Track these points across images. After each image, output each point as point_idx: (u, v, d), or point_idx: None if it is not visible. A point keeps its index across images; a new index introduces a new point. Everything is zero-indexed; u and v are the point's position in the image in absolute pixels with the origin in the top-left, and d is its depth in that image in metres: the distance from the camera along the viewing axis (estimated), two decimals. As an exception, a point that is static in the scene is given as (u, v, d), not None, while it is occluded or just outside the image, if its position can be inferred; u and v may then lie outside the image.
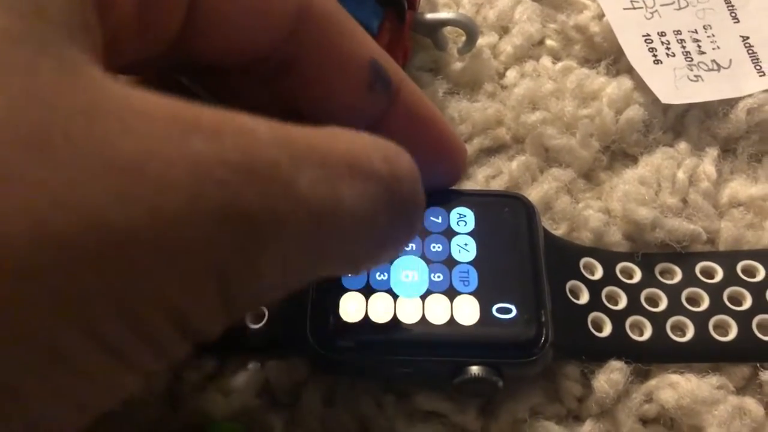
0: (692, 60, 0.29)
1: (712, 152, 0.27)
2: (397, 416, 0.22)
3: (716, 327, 0.23)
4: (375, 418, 0.22)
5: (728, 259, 0.24)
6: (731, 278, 0.24)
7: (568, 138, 0.27)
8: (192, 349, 0.13)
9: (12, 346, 0.11)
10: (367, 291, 0.21)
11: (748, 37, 0.29)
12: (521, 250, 0.22)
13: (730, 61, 0.29)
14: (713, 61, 0.29)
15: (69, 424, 0.12)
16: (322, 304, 0.21)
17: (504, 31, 0.31)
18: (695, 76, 0.28)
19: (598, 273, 0.24)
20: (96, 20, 0.13)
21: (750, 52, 0.29)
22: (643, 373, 0.22)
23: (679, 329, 0.23)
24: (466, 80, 0.29)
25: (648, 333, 0.23)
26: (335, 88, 0.19)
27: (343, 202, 0.13)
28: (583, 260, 0.24)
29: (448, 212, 0.22)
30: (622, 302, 0.23)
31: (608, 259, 0.24)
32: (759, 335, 0.22)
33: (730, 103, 0.27)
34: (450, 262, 0.21)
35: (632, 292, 0.23)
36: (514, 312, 0.20)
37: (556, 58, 0.30)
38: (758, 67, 0.28)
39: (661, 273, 0.24)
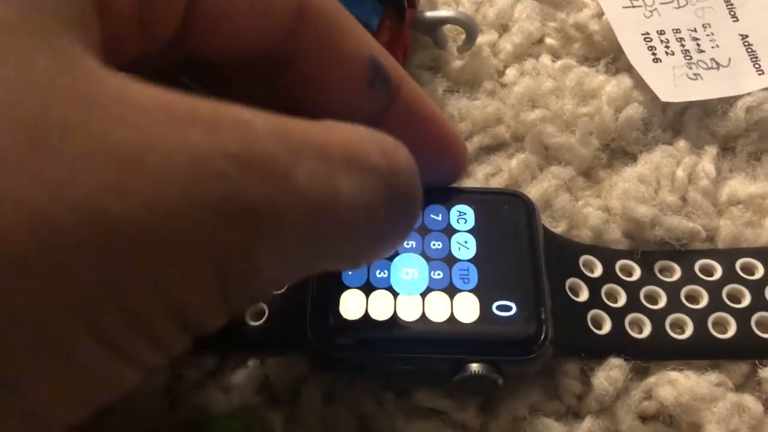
0: (691, 58, 0.29)
1: (711, 150, 0.27)
2: (397, 413, 0.22)
3: (715, 324, 0.23)
4: (375, 415, 0.22)
5: (727, 256, 0.24)
6: (730, 276, 0.24)
7: (567, 136, 0.27)
8: (191, 344, 0.13)
9: (10, 339, 0.11)
10: (368, 288, 0.21)
11: (747, 36, 0.29)
12: (521, 247, 0.22)
13: (729, 59, 0.29)
14: (712, 59, 0.29)
15: (68, 417, 0.12)
16: (322, 301, 0.21)
17: (503, 29, 0.31)
18: (694, 74, 0.28)
19: (598, 271, 0.24)
20: (94, 15, 0.13)
21: (749, 50, 0.29)
22: (642, 371, 0.22)
23: (679, 327, 0.23)
24: (465, 78, 0.29)
25: (647, 330, 0.23)
26: (335, 85, 0.19)
27: (341, 195, 0.13)
28: (583, 258, 0.24)
29: (448, 210, 0.22)
30: (622, 300, 0.23)
31: (608, 256, 0.24)
32: (758, 333, 0.23)
33: (729, 101, 0.28)
34: (450, 260, 0.21)
35: (632, 289, 0.24)
36: (514, 309, 0.20)
37: (556, 56, 0.30)
38: (757, 66, 0.29)
39: (661, 271, 0.24)
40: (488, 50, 0.30)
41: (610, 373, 0.22)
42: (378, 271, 0.21)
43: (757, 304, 0.23)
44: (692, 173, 0.26)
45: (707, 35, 0.29)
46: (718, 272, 0.24)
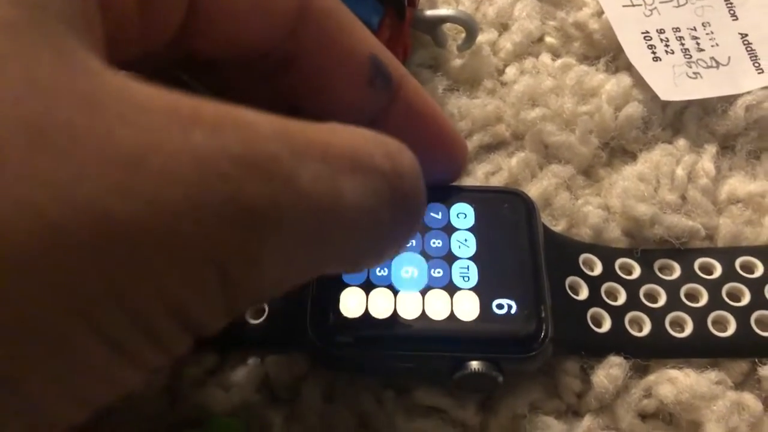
0: (691, 57, 0.29)
1: (711, 149, 0.27)
2: (397, 412, 0.22)
3: (715, 323, 0.23)
4: (375, 413, 0.22)
5: (727, 255, 0.24)
6: (730, 274, 0.24)
7: (567, 135, 0.27)
8: (193, 344, 0.13)
9: (12, 338, 0.11)
10: (368, 286, 0.21)
11: (746, 35, 0.29)
12: (521, 246, 0.22)
13: (729, 58, 0.29)
14: (712, 58, 0.29)
15: (69, 418, 0.12)
16: (323, 299, 0.21)
17: (503, 28, 0.31)
18: (694, 73, 0.28)
19: (598, 269, 0.24)
20: (98, 14, 0.13)
21: (748, 49, 0.29)
22: (642, 369, 0.23)
23: (678, 325, 0.23)
24: (465, 77, 0.29)
25: (647, 329, 0.23)
26: (336, 83, 0.19)
27: (344, 197, 0.13)
28: (583, 256, 0.24)
29: (448, 208, 0.22)
30: (622, 298, 0.23)
31: (607, 255, 0.24)
32: (757, 331, 0.23)
33: (729, 100, 0.28)
34: (450, 258, 0.21)
35: (631, 287, 0.24)
36: (514, 307, 0.20)
37: (556, 55, 0.30)
38: (757, 65, 0.29)
39: (660, 269, 0.24)
40: (488, 49, 0.30)
41: (609, 372, 0.22)
42: (378, 269, 0.21)
43: (757, 303, 0.23)
44: (692, 172, 0.26)
45: (707, 34, 0.29)
46: (718, 271, 0.24)
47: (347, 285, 0.21)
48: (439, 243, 0.22)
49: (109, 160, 0.11)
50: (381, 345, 0.20)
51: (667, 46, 0.29)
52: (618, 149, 0.28)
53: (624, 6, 0.30)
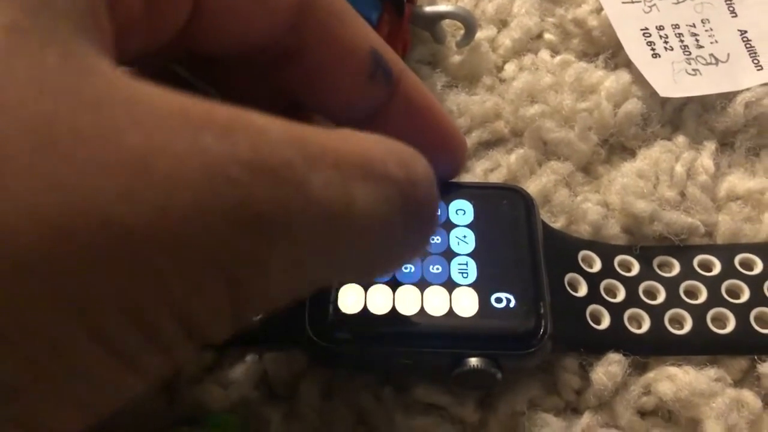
0: (690, 54, 0.29)
1: (710, 146, 0.27)
2: (396, 409, 0.22)
3: (714, 320, 0.23)
4: (373, 410, 0.22)
5: (726, 252, 0.24)
6: (729, 271, 0.24)
7: (566, 131, 0.27)
8: (198, 352, 0.13)
9: (12, 344, 0.10)
10: (366, 283, 0.21)
11: (746, 31, 0.29)
12: (520, 242, 0.22)
13: (728, 55, 0.29)
14: (711, 55, 0.29)
15: (70, 426, 0.12)
16: (321, 295, 0.20)
17: (502, 24, 0.31)
18: (693, 69, 0.28)
19: (597, 266, 0.24)
20: (107, 14, 0.13)
21: (748, 46, 0.29)
22: (641, 366, 0.22)
23: (677, 322, 0.23)
24: (464, 73, 0.29)
25: (646, 326, 0.23)
26: (336, 78, 0.19)
27: (356, 204, 0.13)
28: (582, 253, 0.24)
29: (447, 204, 0.22)
30: (621, 295, 0.23)
31: (606, 252, 0.24)
32: (757, 328, 0.23)
33: (728, 96, 0.27)
34: (449, 254, 0.21)
35: (630, 284, 0.23)
36: (513, 304, 0.20)
37: (555, 51, 0.30)
38: (756, 61, 0.29)
39: (659, 266, 0.24)
40: (487, 45, 0.30)
41: (608, 369, 0.22)
42: (377, 265, 0.21)
43: (756, 300, 0.23)
44: (691, 168, 0.26)
45: (706, 31, 0.29)
46: (717, 267, 0.24)
47: (346, 281, 0.21)
48: (437, 239, 0.22)
49: (116, 163, 0.11)
50: (379, 342, 0.20)
51: (666, 42, 0.29)
52: (617, 146, 0.28)
53: (623, 2, 0.30)
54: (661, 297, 0.23)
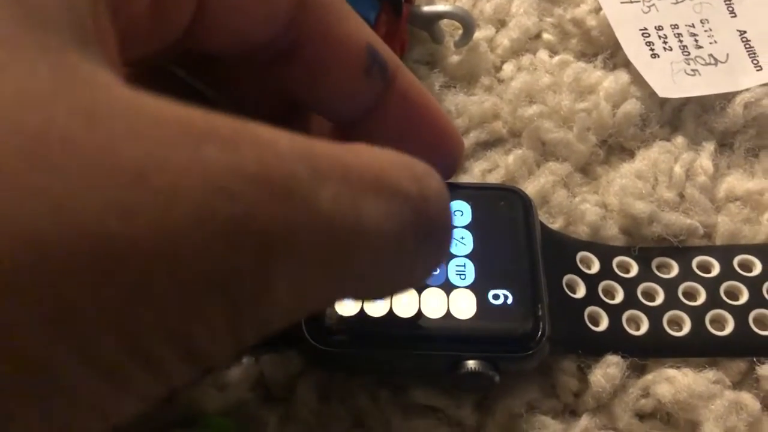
0: (689, 54, 0.29)
1: (709, 146, 0.27)
2: (393, 411, 0.21)
3: (713, 321, 0.23)
4: (370, 412, 0.21)
5: (725, 253, 0.24)
6: (728, 273, 0.24)
7: (565, 132, 0.27)
8: (199, 375, 0.12)
9: None
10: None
11: (745, 32, 0.29)
12: (518, 243, 0.22)
13: (727, 55, 0.29)
14: (710, 55, 0.29)
15: None
16: (318, 297, 0.20)
17: (501, 24, 0.31)
18: (692, 70, 0.28)
19: (595, 267, 0.24)
20: (108, 21, 0.13)
21: (747, 46, 0.29)
22: (639, 368, 0.22)
23: (676, 324, 0.23)
24: (462, 73, 0.29)
25: (645, 327, 0.23)
26: (333, 73, 0.18)
27: (365, 220, 0.12)
28: (580, 254, 0.24)
29: (445, 205, 0.22)
30: (619, 296, 0.23)
31: (605, 253, 0.24)
32: (755, 330, 0.22)
33: (727, 97, 0.27)
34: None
35: (629, 286, 0.23)
36: (511, 306, 0.20)
37: (553, 51, 0.30)
38: (755, 62, 0.28)
39: (658, 267, 0.24)
40: (485, 45, 0.29)
41: (607, 371, 0.22)
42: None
43: (755, 301, 0.23)
44: (690, 169, 0.26)
45: (705, 31, 0.29)
46: (716, 269, 0.24)
47: (343, 283, 0.20)
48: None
49: (110, 176, 0.10)
50: (377, 344, 0.20)
51: (665, 43, 0.29)
52: (616, 146, 0.27)
53: (622, 3, 0.30)
54: (660, 298, 0.23)
